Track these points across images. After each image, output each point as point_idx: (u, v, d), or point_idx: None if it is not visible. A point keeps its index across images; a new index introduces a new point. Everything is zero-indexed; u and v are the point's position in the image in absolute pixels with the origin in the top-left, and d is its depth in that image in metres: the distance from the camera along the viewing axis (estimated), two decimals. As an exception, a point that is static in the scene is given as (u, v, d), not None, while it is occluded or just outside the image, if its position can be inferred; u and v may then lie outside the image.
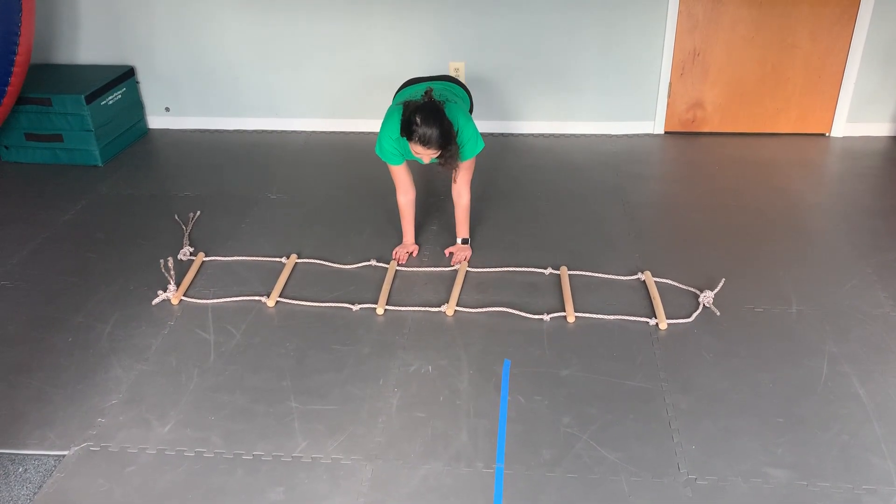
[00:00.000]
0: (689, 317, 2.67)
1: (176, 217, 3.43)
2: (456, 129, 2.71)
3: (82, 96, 3.85)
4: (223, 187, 3.75)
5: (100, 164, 4.00)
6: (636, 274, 2.93)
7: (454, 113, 2.76)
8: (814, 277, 2.91)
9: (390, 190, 3.09)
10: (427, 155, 2.68)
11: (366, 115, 4.29)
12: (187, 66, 4.32)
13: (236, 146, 4.28)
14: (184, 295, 2.85)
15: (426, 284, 2.92)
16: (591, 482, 2.03)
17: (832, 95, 4.13)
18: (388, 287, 2.87)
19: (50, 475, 2.09)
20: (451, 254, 3.08)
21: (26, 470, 2.11)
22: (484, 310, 2.74)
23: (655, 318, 2.66)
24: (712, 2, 3.94)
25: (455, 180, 2.94)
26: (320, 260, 3.08)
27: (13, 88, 3.58)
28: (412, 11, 4.07)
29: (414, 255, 3.10)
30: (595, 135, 4.32)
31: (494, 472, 2.07)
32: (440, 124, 2.61)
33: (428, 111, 2.60)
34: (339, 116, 4.41)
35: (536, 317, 2.69)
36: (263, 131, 4.46)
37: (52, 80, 4.06)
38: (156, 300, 2.81)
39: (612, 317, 2.68)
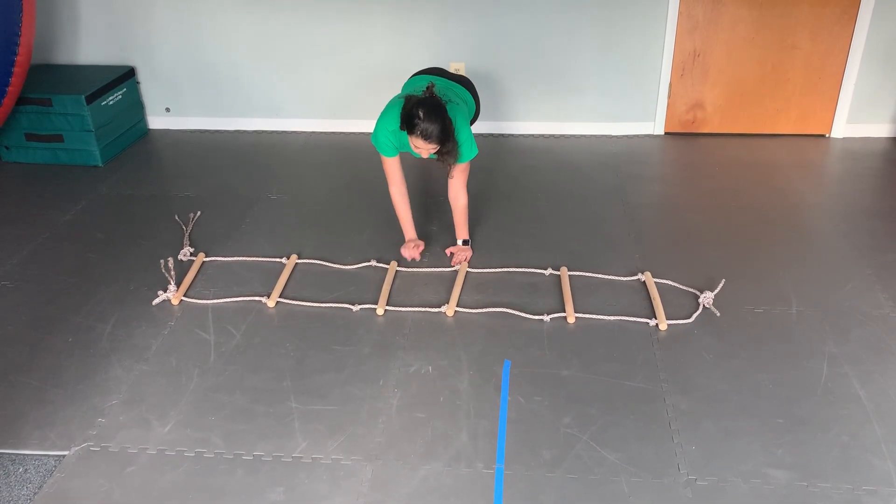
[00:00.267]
0: (689, 317, 2.67)
1: (176, 217, 3.43)
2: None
3: (83, 96, 3.85)
4: (223, 187, 3.75)
5: (100, 165, 4.00)
6: (636, 275, 2.93)
7: (453, 114, 2.77)
8: (814, 278, 2.91)
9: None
10: (426, 150, 2.69)
11: (366, 115, 4.28)
12: (187, 67, 4.32)
13: (236, 146, 4.28)
14: (184, 295, 2.85)
15: (426, 285, 2.92)
16: (592, 483, 2.03)
17: (832, 96, 4.14)
18: (389, 287, 2.87)
19: (50, 475, 2.09)
20: (452, 254, 3.08)
21: (26, 470, 2.11)
22: (484, 310, 2.74)
23: (655, 318, 2.66)
24: (712, 2, 3.94)
25: (451, 175, 2.93)
26: (320, 260, 3.08)
27: (14, 89, 3.58)
28: (412, 11, 4.07)
29: (420, 249, 3.08)
30: (595, 135, 4.32)
31: (494, 473, 2.07)
32: (441, 119, 2.62)
33: (430, 106, 2.61)
34: (339, 117, 4.41)
35: (536, 317, 2.70)
36: (263, 131, 4.46)
37: (53, 80, 4.06)
38: (156, 300, 2.81)
39: (612, 317, 2.68)
